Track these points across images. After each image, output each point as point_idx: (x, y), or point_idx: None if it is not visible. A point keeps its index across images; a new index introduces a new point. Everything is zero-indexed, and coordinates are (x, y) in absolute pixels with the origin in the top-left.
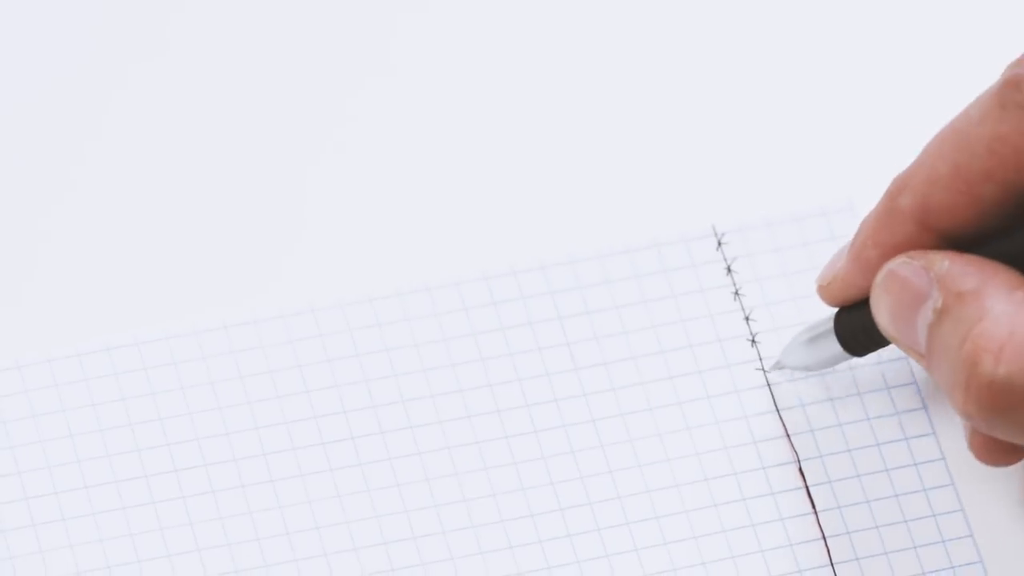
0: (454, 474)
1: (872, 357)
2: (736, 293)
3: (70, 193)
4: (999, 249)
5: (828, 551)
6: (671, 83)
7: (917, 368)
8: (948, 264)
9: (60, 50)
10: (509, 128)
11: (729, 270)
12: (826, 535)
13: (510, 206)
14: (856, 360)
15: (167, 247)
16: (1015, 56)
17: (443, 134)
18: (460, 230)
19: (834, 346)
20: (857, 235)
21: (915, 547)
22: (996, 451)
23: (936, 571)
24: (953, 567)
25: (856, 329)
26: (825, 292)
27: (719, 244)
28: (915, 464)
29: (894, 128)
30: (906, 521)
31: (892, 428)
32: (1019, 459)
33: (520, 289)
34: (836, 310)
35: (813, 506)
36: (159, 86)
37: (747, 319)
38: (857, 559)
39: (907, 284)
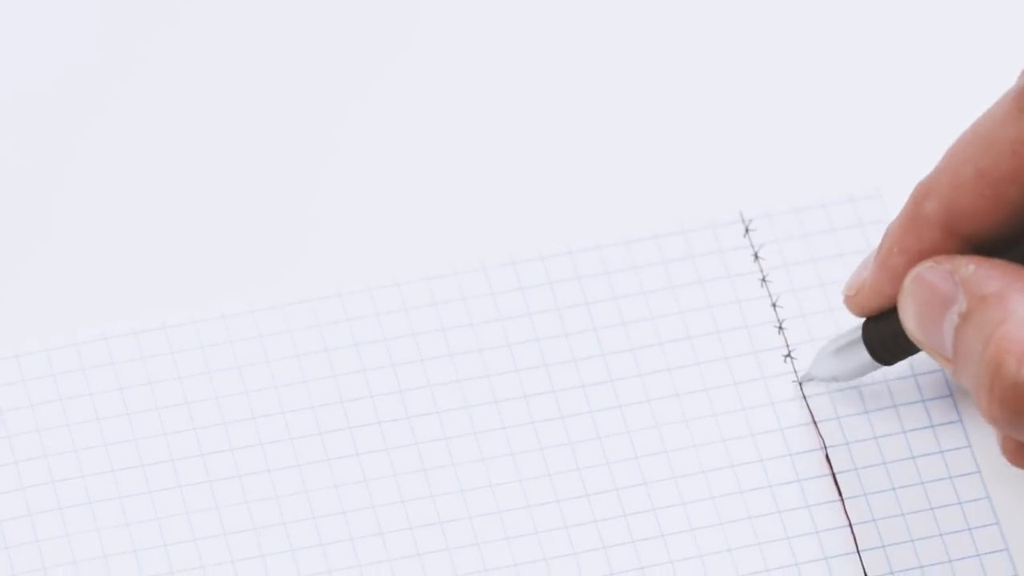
0: (481, 459)
1: (907, 369)
2: (763, 279)
3: (69, 182)
4: (1021, 252)
5: (859, 554)
6: (699, 69)
7: (951, 380)
8: (973, 268)
9: (60, 39)
10: (537, 113)
11: (756, 256)
12: (858, 542)
13: (539, 193)
14: (889, 371)
15: (164, 237)
16: None
17: (459, 120)
18: (487, 216)
19: (863, 355)
20: (883, 243)
21: (950, 561)
22: None
23: (962, 559)
24: (979, 555)
25: (885, 337)
26: (852, 302)
27: (746, 230)
28: (950, 477)
29: (922, 115)
30: (941, 535)
31: (927, 440)
32: None
33: (548, 274)
34: (864, 320)
35: (840, 495)
36: (161, 75)
37: (774, 306)
38: (883, 546)
39: (934, 288)
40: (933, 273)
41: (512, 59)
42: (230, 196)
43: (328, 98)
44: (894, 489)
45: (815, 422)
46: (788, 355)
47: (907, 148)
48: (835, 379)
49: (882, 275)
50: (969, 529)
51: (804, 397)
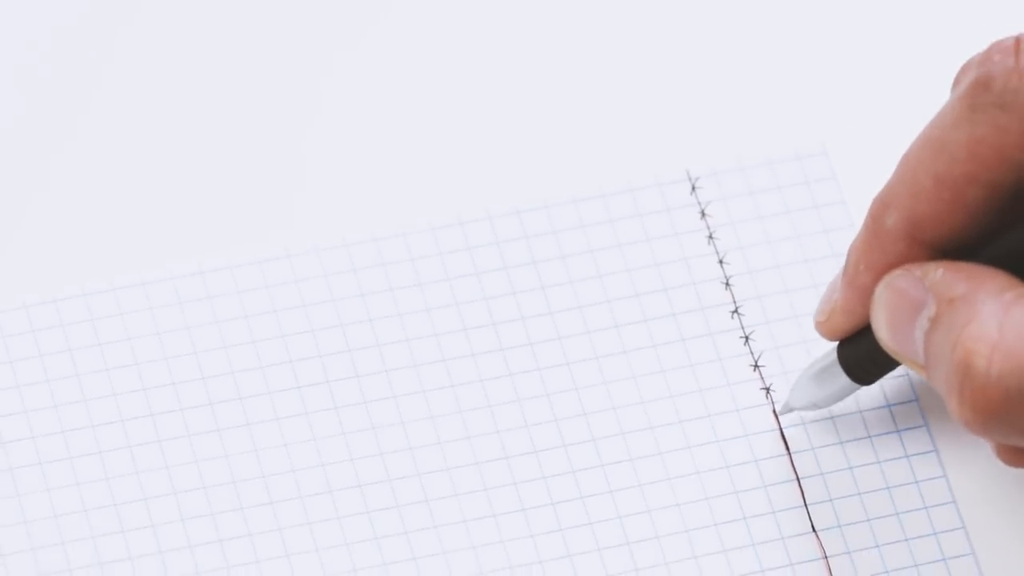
0: (429, 417)
1: (881, 399)
2: (710, 236)
3: (75, 134)
4: (991, 253)
5: (829, 570)
6: (645, 28)
7: (926, 410)
8: (941, 272)
9: None
10: (483, 75)
11: (703, 214)
12: (827, 553)
13: (485, 151)
14: (864, 401)
15: (170, 188)
16: (970, 55)
17: (417, 84)
18: (434, 176)
19: (841, 378)
20: (848, 262)
21: (916, 565)
22: (1021, 453)
23: None
24: None
25: (861, 356)
26: (825, 327)
27: (693, 188)
28: (926, 507)
29: (867, 72)
30: (917, 565)
31: (903, 470)
32: None
33: (495, 234)
34: (838, 344)
35: (813, 526)
36: (165, 29)
37: (721, 262)
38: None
39: (904, 295)
40: (903, 280)
41: (465, 23)
42: (233, 150)
43: (327, 57)
44: (869, 520)
45: (789, 453)
46: (735, 311)
47: (853, 105)
48: (815, 406)
49: (851, 294)
50: (944, 559)
51: (780, 428)
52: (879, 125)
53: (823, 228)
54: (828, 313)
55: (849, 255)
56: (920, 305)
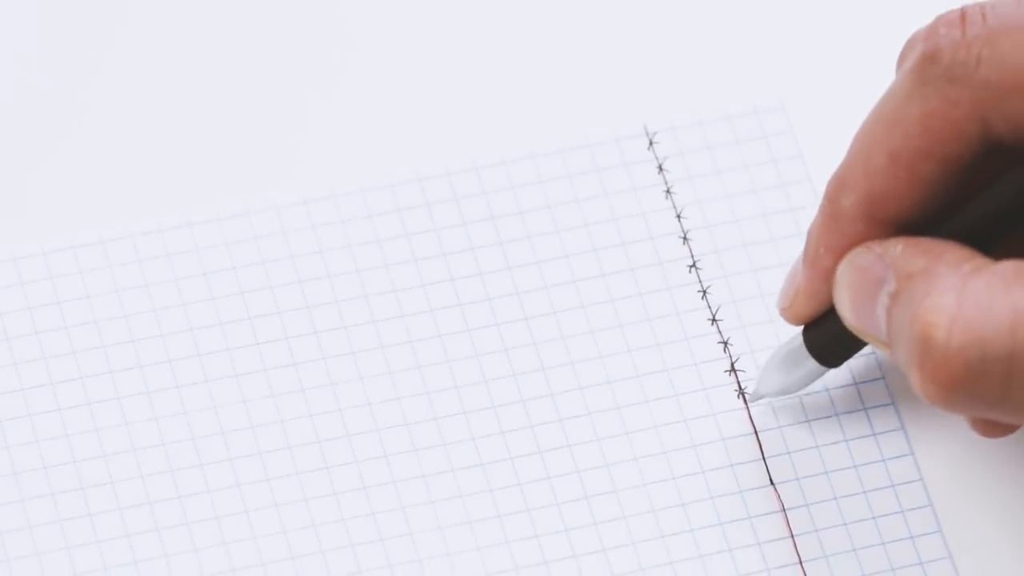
0: (417, 367)
1: (848, 377)
2: (668, 191)
3: (67, 88)
4: (949, 228)
5: (801, 565)
6: None
7: (893, 388)
8: (901, 248)
9: None
10: (440, 33)
11: (660, 168)
12: (800, 553)
13: (442, 108)
14: (831, 381)
15: (160, 141)
16: (913, 31)
17: (380, 37)
18: (392, 133)
19: (808, 362)
20: (808, 246)
21: (893, 569)
22: (992, 423)
23: (906, 567)
24: (922, 563)
25: (827, 339)
26: (789, 313)
27: (650, 143)
28: (893, 485)
29: (824, 26)
30: (884, 543)
31: (870, 449)
32: (1016, 429)
33: (453, 189)
34: (803, 328)
35: (782, 505)
36: None
37: (679, 217)
38: (826, 556)
39: (865, 272)
40: (864, 257)
41: None
42: (224, 103)
43: (323, 8)
44: (836, 499)
45: (756, 432)
46: (693, 265)
47: (809, 59)
48: (785, 392)
49: (813, 277)
50: (912, 537)
51: (747, 408)
52: (836, 79)
53: (780, 182)
54: (791, 298)
55: (808, 238)
56: (881, 281)
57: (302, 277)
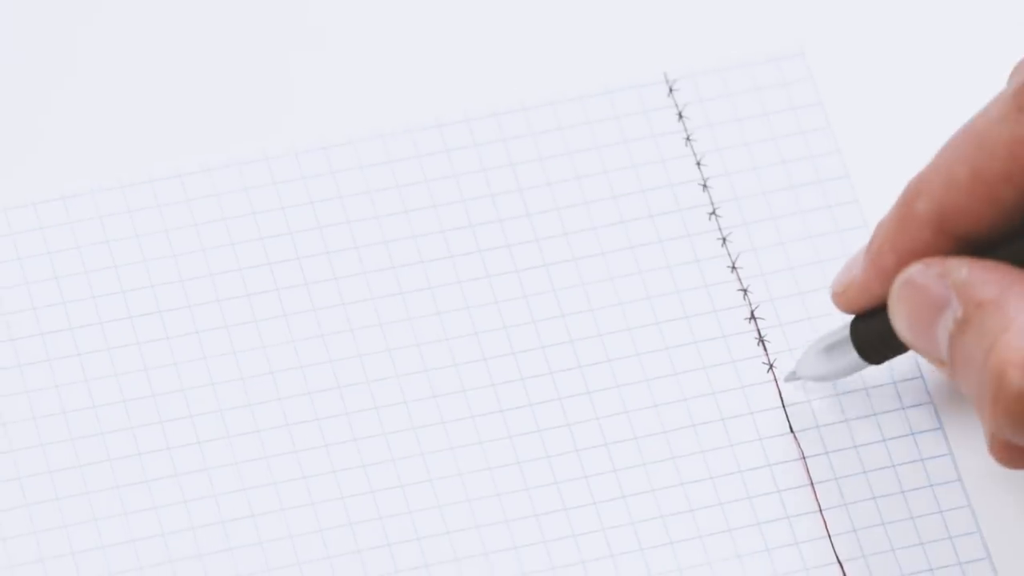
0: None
1: (886, 375)
2: (687, 139)
3: (70, 37)
4: (1019, 252)
5: (840, 564)
6: None
7: (931, 385)
8: (967, 271)
9: None
10: None
11: (680, 116)
12: (838, 552)
13: (463, 54)
14: (869, 379)
15: (157, 91)
16: None
17: None
18: (413, 79)
19: (851, 355)
20: (873, 240)
21: (932, 570)
22: (1018, 456)
23: (944, 567)
24: (960, 563)
25: (874, 337)
26: (841, 299)
27: (670, 90)
28: (931, 485)
29: None
30: (922, 544)
31: (908, 448)
32: None
33: (473, 136)
34: (851, 318)
35: (819, 505)
36: None
37: (698, 164)
38: (864, 556)
39: (925, 292)
40: (924, 276)
41: None
42: (214, 53)
43: None
44: (874, 498)
45: (793, 432)
46: (712, 213)
47: (830, 6)
48: (822, 379)
49: (872, 273)
50: (950, 538)
51: (784, 407)
52: (856, 26)
53: (800, 130)
54: (845, 286)
55: (875, 233)
56: (943, 304)
57: (292, 228)
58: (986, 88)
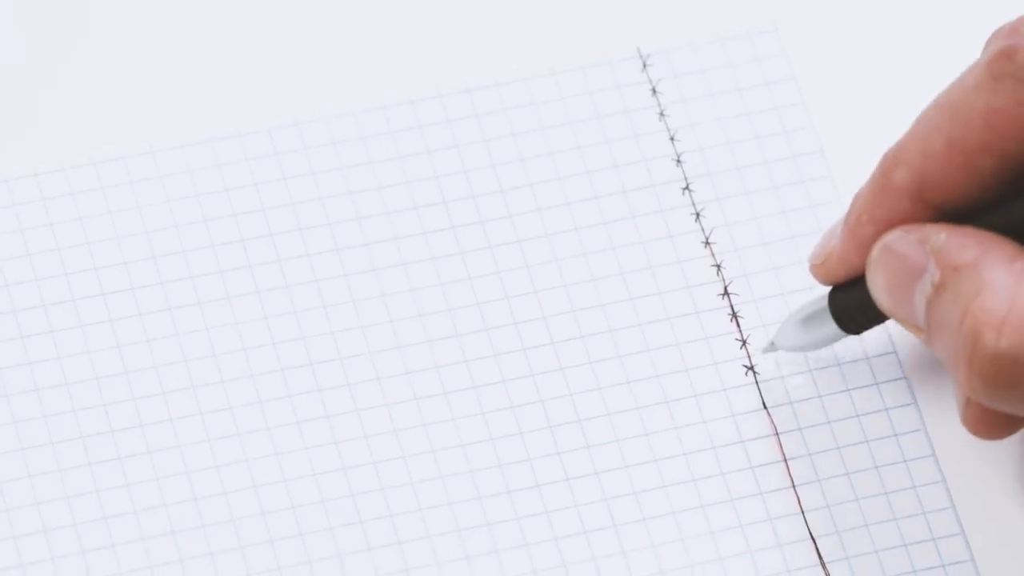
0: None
1: (859, 351)
2: (661, 114)
3: (60, 9)
4: (996, 220)
5: (817, 551)
6: None
7: (904, 360)
8: (945, 237)
9: None
10: None
11: (654, 91)
12: (811, 528)
13: (435, 30)
14: (843, 354)
15: (154, 62)
16: (999, 24)
17: None
18: (385, 55)
19: (829, 325)
20: (851, 211)
21: (896, 519)
22: (989, 425)
23: (918, 542)
24: (935, 539)
25: (852, 307)
26: (820, 271)
27: (644, 65)
28: (905, 461)
29: None
30: (896, 519)
31: (882, 424)
32: (1012, 432)
33: (446, 112)
34: (829, 289)
35: (792, 481)
36: None
37: (672, 139)
38: (837, 531)
39: (903, 258)
40: (902, 243)
41: None
42: (216, 23)
43: None
44: (848, 474)
45: (766, 408)
46: (686, 188)
47: None
48: (800, 349)
49: (850, 244)
50: (924, 513)
51: (757, 384)
52: (829, 2)
53: (774, 105)
54: (824, 257)
55: (853, 204)
56: (920, 269)
57: (295, 199)
58: (959, 62)
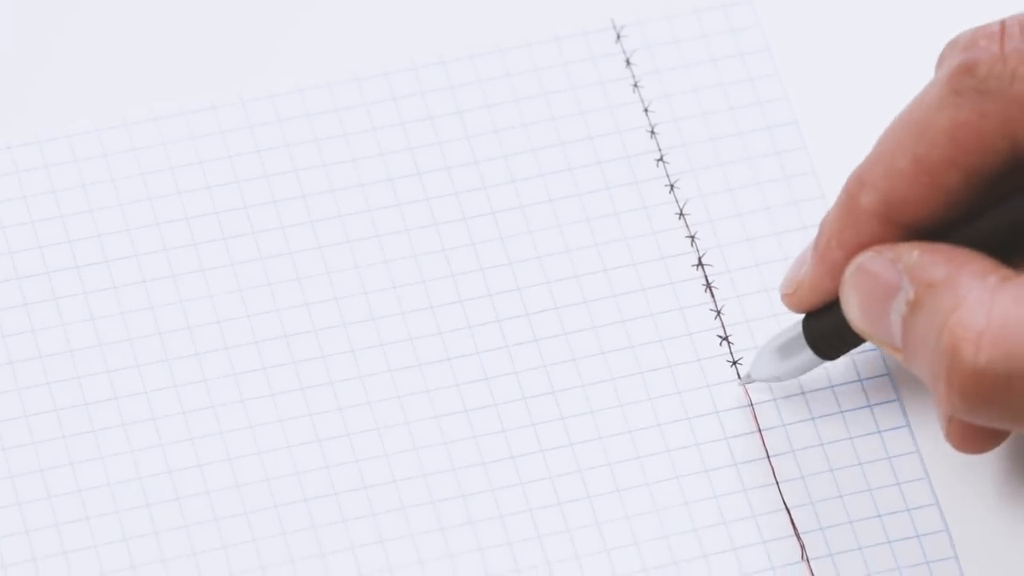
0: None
1: (852, 372)
2: (635, 85)
3: None
4: (967, 236)
5: (802, 547)
6: None
7: (897, 382)
8: (917, 254)
9: None
10: None
11: (628, 62)
12: (799, 530)
13: (409, 1)
14: (835, 376)
15: (155, 28)
16: (952, 37)
17: None
18: (360, 26)
19: (805, 352)
20: (819, 237)
21: (889, 542)
22: (973, 439)
23: (911, 566)
24: (928, 562)
25: (827, 332)
26: (792, 300)
27: (618, 37)
28: (898, 483)
29: None
30: (889, 542)
31: (875, 446)
32: (996, 445)
33: (420, 84)
34: (803, 316)
35: (785, 503)
36: None
37: (646, 111)
38: (831, 555)
39: (877, 278)
40: (875, 262)
41: None
42: None
43: None
44: (841, 497)
45: (760, 430)
46: (660, 159)
47: None
48: (777, 379)
49: (821, 269)
50: (918, 536)
51: (752, 405)
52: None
53: (748, 76)
54: (795, 285)
55: (821, 230)
56: (894, 288)
57: (269, 172)
58: (934, 34)
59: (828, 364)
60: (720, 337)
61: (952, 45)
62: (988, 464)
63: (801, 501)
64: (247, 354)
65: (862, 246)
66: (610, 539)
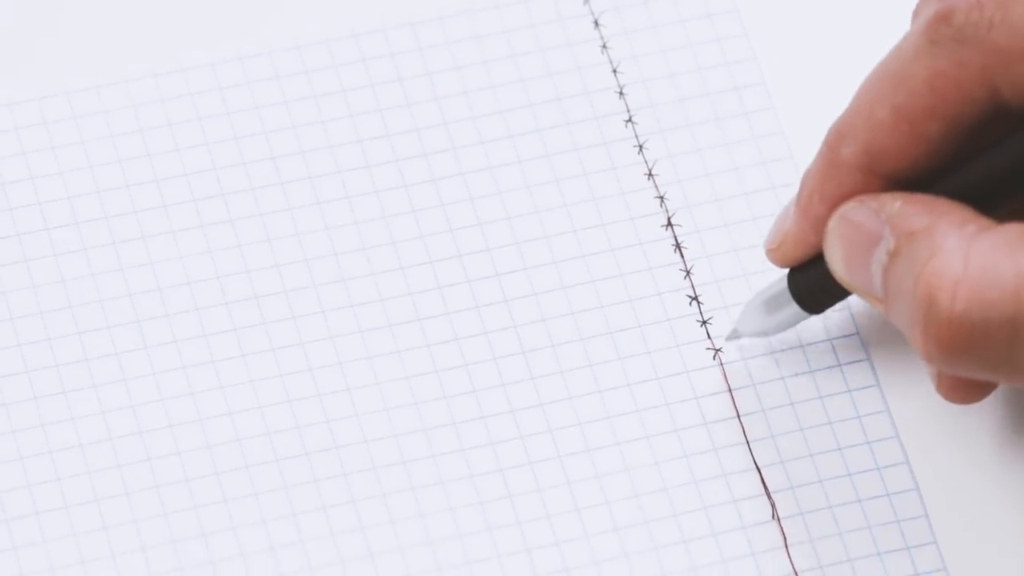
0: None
1: (822, 332)
2: (604, 46)
3: None
4: (948, 187)
5: (773, 506)
6: None
7: (867, 341)
8: (899, 204)
9: None
10: None
11: (596, 24)
12: (770, 490)
13: None
14: (805, 336)
15: None
16: None
17: None
18: None
19: (791, 307)
20: (801, 191)
21: (860, 501)
22: (964, 390)
23: (882, 524)
24: (898, 520)
25: (812, 286)
26: (776, 255)
27: None
28: (868, 442)
29: None
30: (860, 500)
31: (845, 405)
32: (985, 395)
33: (389, 46)
34: (787, 271)
35: (756, 463)
36: None
37: (615, 71)
38: (802, 513)
39: (859, 227)
40: (858, 212)
41: None
42: None
43: None
44: (811, 456)
45: (730, 389)
46: (629, 120)
47: None
48: (764, 334)
49: (804, 223)
50: (888, 494)
51: (722, 365)
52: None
53: (716, 36)
54: (779, 241)
55: (803, 183)
56: (877, 238)
57: (238, 133)
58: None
59: (808, 349)
60: (690, 297)
61: None
62: (958, 422)
63: (771, 460)
64: (188, 321)
65: (844, 198)
66: (581, 498)
